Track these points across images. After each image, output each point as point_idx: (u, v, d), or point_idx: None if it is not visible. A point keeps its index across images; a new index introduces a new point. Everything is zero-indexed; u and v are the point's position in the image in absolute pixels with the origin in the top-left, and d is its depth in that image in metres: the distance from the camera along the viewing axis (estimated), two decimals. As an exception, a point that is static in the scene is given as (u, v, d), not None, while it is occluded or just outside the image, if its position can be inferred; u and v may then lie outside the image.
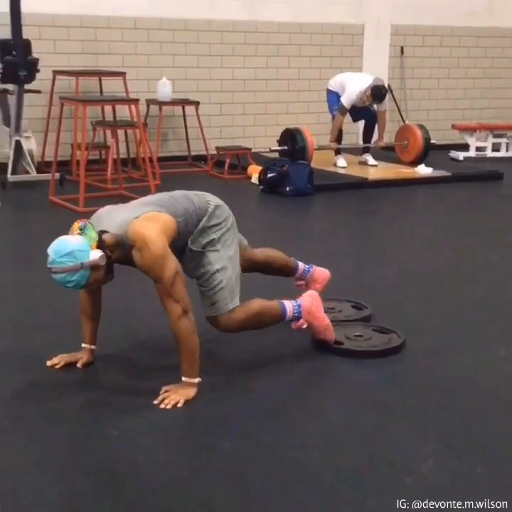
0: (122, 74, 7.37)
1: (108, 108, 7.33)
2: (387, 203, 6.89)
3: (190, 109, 8.02)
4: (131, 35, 7.89)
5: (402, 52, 9.40)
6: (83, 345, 3.16)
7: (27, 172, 7.06)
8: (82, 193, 5.91)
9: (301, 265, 3.63)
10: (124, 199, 6.35)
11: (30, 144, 7.17)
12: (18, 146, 7.00)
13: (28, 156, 7.04)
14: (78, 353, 3.16)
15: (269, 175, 6.89)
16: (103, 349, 3.21)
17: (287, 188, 6.75)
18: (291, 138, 7.66)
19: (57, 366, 3.11)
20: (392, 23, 9.26)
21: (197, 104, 7.88)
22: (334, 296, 3.79)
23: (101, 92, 7.65)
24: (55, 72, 7.37)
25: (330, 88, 7.82)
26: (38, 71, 6.86)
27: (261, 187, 7.00)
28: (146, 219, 2.84)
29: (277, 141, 7.87)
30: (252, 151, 7.99)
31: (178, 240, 2.97)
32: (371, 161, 8.07)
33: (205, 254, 3.01)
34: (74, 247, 2.74)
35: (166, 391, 2.85)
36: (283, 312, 3.19)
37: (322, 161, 7.68)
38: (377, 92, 7.50)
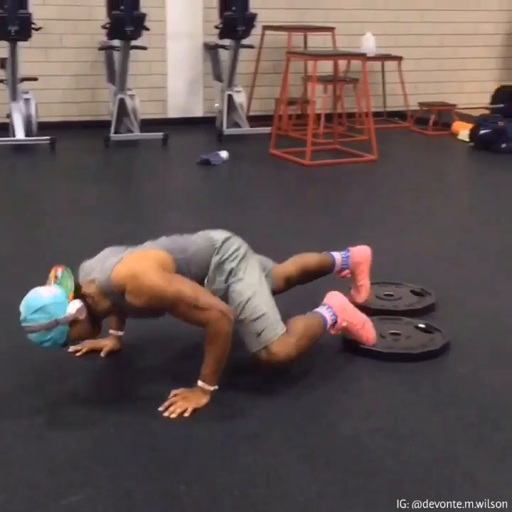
0: (331, 29, 7.41)
1: (311, 64, 7.40)
2: None
3: (388, 65, 7.99)
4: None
5: None
6: (110, 331, 2.86)
7: (236, 125, 7.26)
8: (310, 147, 6.03)
9: (337, 256, 3.18)
10: (339, 154, 6.55)
11: (241, 98, 7.34)
12: (230, 100, 7.20)
13: (239, 109, 7.23)
14: (104, 339, 2.84)
15: (482, 131, 6.79)
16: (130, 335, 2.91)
17: (503, 145, 6.64)
18: (509, 96, 7.43)
19: (78, 354, 2.82)
20: None
21: (400, 59, 7.83)
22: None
23: (305, 47, 7.72)
24: (265, 28, 7.48)
25: None
26: (254, 26, 6.99)
27: (471, 144, 6.92)
28: (131, 259, 2.50)
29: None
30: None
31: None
32: None
33: (231, 287, 2.64)
34: (47, 301, 2.36)
35: (175, 395, 2.51)
36: (324, 320, 2.78)
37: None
38: None
